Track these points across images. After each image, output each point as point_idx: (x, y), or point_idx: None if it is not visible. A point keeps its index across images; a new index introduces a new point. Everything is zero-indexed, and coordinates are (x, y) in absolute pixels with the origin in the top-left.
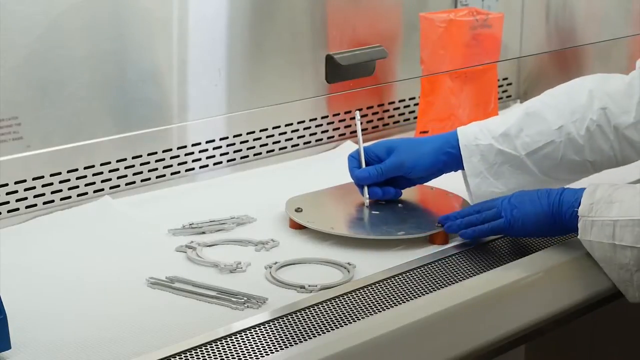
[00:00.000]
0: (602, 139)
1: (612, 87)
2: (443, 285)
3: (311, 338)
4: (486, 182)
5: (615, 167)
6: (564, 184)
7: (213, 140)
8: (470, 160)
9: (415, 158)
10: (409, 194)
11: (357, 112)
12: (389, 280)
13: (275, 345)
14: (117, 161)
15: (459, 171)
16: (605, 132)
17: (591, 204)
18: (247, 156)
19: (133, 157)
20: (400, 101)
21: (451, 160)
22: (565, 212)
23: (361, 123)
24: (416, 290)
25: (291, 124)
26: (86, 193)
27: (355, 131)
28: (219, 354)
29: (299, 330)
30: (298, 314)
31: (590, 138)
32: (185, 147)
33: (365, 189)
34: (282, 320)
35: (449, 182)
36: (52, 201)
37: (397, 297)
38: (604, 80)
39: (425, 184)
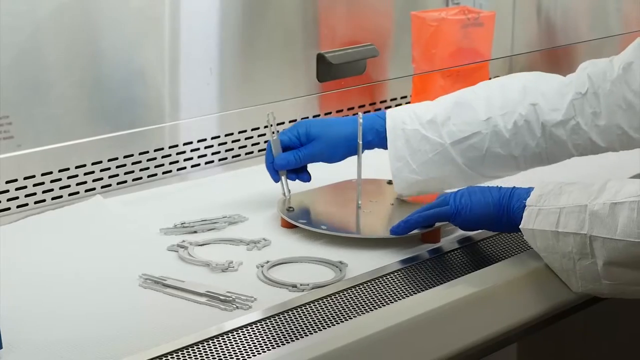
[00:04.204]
0: (528, 135)
1: (546, 85)
2: (435, 284)
3: (303, 337)
4: (408, 167)
5: (540, 165)
6: (489, 181)
7: (205, 139)
8: (394, 144)
9: (334, 146)
10: None
11: (360, 114)
12: (380, 279)
13: (266, 344)
14: (109, 160)
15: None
16: (532, 128)
17: (540, 195)
18: (239, 155)
19: (125, 156)
20: (391, 100)
21: (379, 140)
22: (514, 204)
23: None
24: (408, 288)
25: (283, 123)
26: (78, 192)
27: None
28: (210, 354)
29: (290, 329)
30: (290, 312)
31: (516, 132)
32: (177, 146)
33: (284, 179)
34: (274, 319)
35: None
36: (44, 200)
37: (389, 296)
38: (540, 78)
39: None
